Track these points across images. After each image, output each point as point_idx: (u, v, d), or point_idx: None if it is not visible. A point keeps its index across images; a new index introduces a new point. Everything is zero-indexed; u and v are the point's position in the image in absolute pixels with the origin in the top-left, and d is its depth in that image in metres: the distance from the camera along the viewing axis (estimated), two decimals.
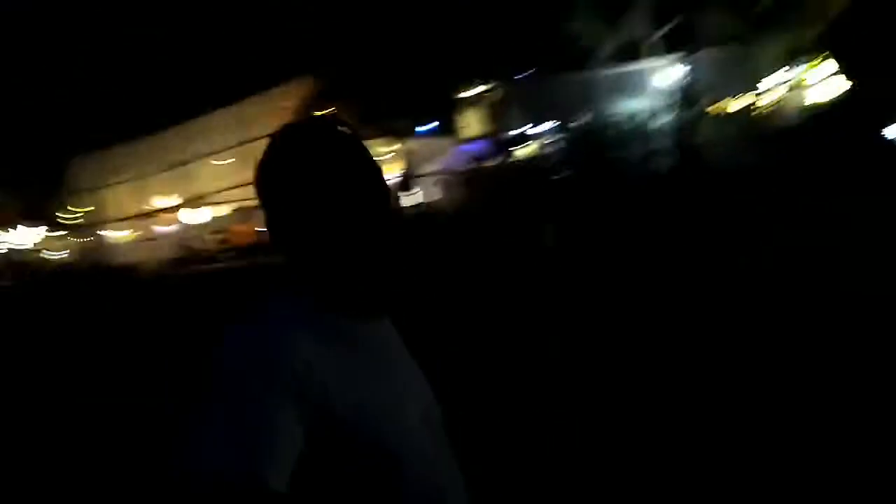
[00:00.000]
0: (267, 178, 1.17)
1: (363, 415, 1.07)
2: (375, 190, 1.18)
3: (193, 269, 19.29)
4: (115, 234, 24.63)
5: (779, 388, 3.32)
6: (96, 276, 21.30)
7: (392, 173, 19.00)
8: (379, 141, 19.17)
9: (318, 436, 1.02)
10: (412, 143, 20.87)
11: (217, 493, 0.94)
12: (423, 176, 20.01)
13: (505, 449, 3.22)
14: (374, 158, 1.19)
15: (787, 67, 17.10)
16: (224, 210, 22.49)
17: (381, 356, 1.19)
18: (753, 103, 17.37)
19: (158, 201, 23.65)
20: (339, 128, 1.18)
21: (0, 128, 22.46)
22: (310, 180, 1.13)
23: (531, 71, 19.02)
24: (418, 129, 21.81)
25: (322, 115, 1.23)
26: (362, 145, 1.18)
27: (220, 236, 21.73)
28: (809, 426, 2.77)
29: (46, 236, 27.77)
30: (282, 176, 1.15)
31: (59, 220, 26.54)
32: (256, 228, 20.23)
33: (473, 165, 18.80)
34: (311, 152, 1.15)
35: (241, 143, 20.76)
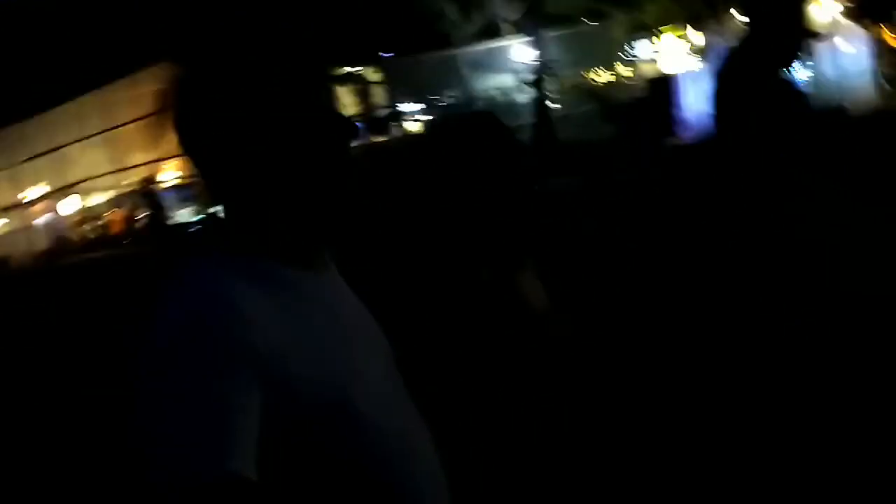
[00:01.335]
0: (188, 110, 0.99)
1: (321, 368, 0.96)
2: (327, 122, 1.01)
3: (67, 260, 18.79)
4: None
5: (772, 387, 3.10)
6: None
7: None
8: None
9: (279, 401, 0.91)
10: None
11: (185, 497, 0.83)
12: None
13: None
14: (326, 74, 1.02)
15: (639, 41, 17.79)
16: (97, 198, 21.91)
17: (335, 310, 1.07)
18: (610, 77, 18.01)
19: (30, 191, 22.81)
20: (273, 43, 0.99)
21: None
22: (246, 111, 0.96)
23: (395, 51, 19.16)
24: None
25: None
26: (312, 72, 1.01)
27: (93, 225, 21.18)
28: (808, 426, 2.65)
29: None
30: (213, 103, 0.97)
31: None
32: (130, 215, 19.84)
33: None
34: (251, 76, 0.97)
35: (109, 129, 20.21)
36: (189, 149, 1.00)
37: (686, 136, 14.61)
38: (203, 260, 1.00)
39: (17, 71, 21.79)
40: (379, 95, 19.47)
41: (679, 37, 17.09)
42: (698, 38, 16.54)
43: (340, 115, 1.03)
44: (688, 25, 16.62)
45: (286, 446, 0.92)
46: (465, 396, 1.71)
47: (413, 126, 18.74)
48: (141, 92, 21.30)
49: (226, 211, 1.03)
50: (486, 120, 1.99)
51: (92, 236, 20.81)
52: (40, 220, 22.43)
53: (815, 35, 3.02)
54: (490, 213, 1.86)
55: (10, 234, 22.69)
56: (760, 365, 2.98)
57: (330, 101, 1.03)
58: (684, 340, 3.96)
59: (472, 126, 1.93)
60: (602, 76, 17.88)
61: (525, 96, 17.05)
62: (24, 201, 22.75)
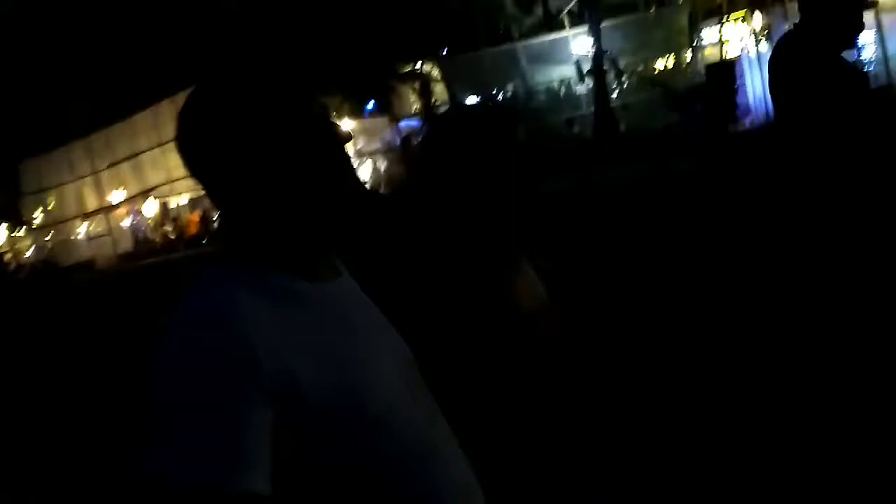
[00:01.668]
0: (195, 131, 1.03)
1: (328, 375, 0.97)
2: (321, 132, 1.04)
3: (146, 262, 19.47)
4: (73, 231, 24.70)
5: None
6: (55, 272, 21.58)
7: None
8: None
9: (290, 414, 0.92)
10: (347, 124, 20.94)
11: None
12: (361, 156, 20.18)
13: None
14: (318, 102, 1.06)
15: (700, 27, 17.38)
16: (175, 200, 22.63)
17: (345, 316, 1.07)
18: (671, 64, 17.64)
19: (112, 195, 23.70)
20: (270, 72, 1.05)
21: None
22: (245, 129, 1.00)
23: (455, 46, 19.19)
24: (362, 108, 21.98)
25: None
26: (301, 87, 1.05)
27: (170, 227, 21.89)
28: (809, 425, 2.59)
29: (10, 236, 27.88)
30: (213, 125, 1.01)
31: (20, 220, 26.64)
32: (206, 217, 20.42)
33: (414, 141, 18.97)
34: (246, 97, 1.02)
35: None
36: (194, 168, 1.04)
37: (748, 122, 14.18)
38: (214, 273, 1.02)
39: (101, 79, 22.66)
40: (439, 91, 19.54)
41: (741, 21, 16.61)
42: (761, 21, 16.06)
43: (332, 125, 1.06)
44: (750, 9, 16.15)
45: (297, 453, 0.92)
46: (465, 397, 1.72)
47: None
48: None
49: (235, 224, 1.05)
50: (490, 114, 1.91)
51: (171, 238, 21.49)
52: (123, 223, 23.30)
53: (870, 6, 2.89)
54: (479, 208, 1.80)
55: (95, 237, 23.66)
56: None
57: (321, 112, 1.06)
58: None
59: (471, 120, 1.85)
60: (663, 64, 17.54)
61: (585, 87, 16.87)
62: (108, 205, 23.64)
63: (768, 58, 2.99)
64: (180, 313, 0.96)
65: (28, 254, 25.84)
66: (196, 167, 1.03)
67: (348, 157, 1.06)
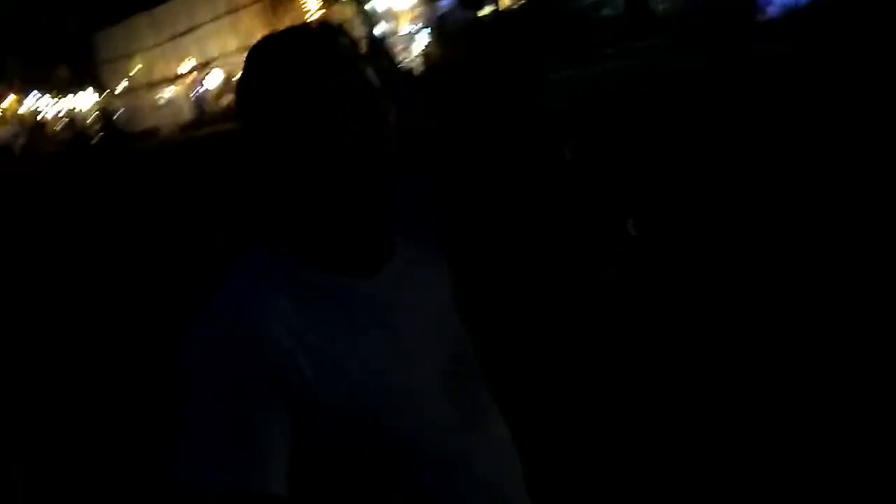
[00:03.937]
0: (243, 104, 0.96)
1: (346, 380, 0.92)
2: (367, 117, 0.95)
3: (205, 132, 19.85)
4: (144, 98, 25.24)
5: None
6: (125, 138, 22.37)
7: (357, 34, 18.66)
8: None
9: (304, 413, 0.89)
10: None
11: None
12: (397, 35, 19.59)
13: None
14: (371, 78, 0.95)
15: None
16: (237, 72, 22.73)
17: (380, 314, 0.99)
18: None
19: (176, 67, 23.94)
20: (334, 37, 0.95)
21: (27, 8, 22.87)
22: (286, 108, 0.92)
23: None
24: None
25: (312, 22, 1.02)
26: (356, 60, 0.96)
27: (228, 98, 22.14)
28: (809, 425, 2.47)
29: (95, 101, 28.86)
30: (256, 101, 0.94)
31: (102, 87, 27.42)
32: None
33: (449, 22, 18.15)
34: (288, 74, 0.93)
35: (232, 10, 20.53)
36: (246, 126, 0.97)
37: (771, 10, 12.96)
38: (248, 264, 0.97)
39: None
40: None
41: None
42: None
43: (384, 104, 0.97)
44: None
45: (301, 450, 0.90)
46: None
47: None
48: None
49: (274, 206, 0.99)
50: None
51: (231, 108, 21.72)
52: (183, 95, 23.63)
53: None
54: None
55: (160, 107, 24.14)
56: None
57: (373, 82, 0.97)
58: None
59: None
60: None
61: None
62: (172, 76, 23.93)
63: None
64: (209, 312, 0.92)
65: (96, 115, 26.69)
66: (247, 125, 0.97)
67: (388, 141, 0.97)
